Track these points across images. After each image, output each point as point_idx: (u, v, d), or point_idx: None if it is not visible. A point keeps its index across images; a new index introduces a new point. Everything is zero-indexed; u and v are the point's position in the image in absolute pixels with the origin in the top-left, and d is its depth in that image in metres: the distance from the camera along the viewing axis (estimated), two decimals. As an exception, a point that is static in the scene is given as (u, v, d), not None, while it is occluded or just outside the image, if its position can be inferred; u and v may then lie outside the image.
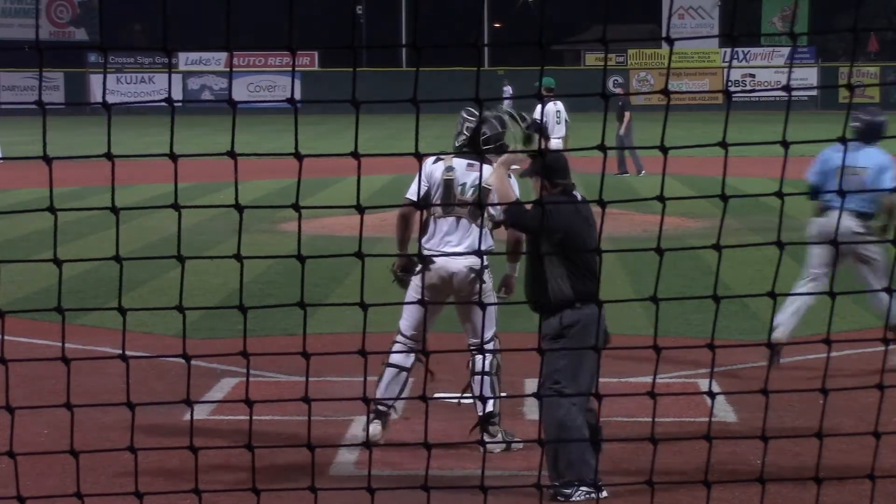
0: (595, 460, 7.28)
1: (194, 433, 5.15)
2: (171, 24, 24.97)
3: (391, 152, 4.95)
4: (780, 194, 4.65)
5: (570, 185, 7.62)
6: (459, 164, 8.38)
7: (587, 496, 7.22)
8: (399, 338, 8.58)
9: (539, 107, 20.25)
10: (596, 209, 7.55)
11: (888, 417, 8.59)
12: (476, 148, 8.20)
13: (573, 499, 7.25)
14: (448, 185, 8.31)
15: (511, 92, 58.79)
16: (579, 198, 7.59)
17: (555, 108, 22.79)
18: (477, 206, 8.04)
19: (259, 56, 75.59)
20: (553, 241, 7.37)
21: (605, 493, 7.30)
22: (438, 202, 8.25)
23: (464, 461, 8.13)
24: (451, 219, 8.33)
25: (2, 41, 77.48)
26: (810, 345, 6.65)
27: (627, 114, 29.66)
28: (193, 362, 5.41)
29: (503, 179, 7.76)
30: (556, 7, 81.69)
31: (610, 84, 68.10)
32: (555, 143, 22.04)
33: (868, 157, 10.77)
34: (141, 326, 11.96)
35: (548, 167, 7.54)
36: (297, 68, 73.45)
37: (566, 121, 23.18)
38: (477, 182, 8.14)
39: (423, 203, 8.17)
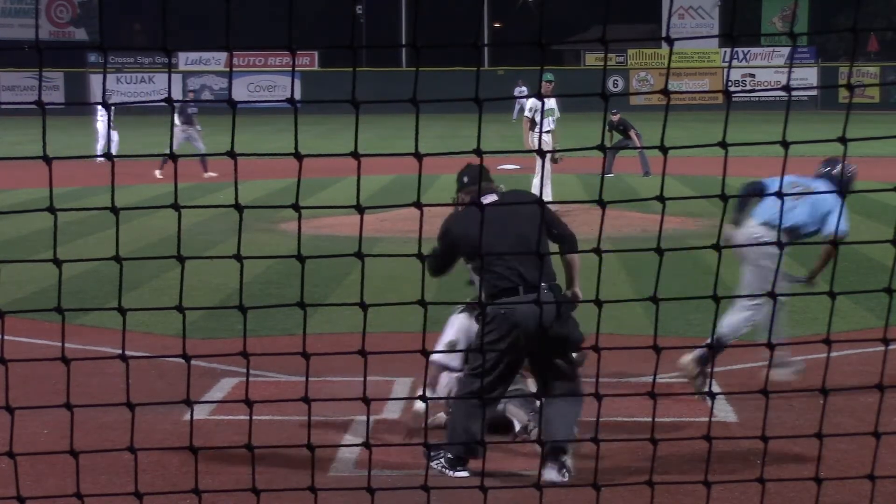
0: (470, 446, 7.69)
1: (194, 433, 5.14)
2: (170, 24, 24.90)
3: (391, 152, 4.94)
4: (779, 194, 4.65)
5: (485, 189, 7.90)
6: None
7: (441, 468, 7.72)
8: None
9: (531, 100, 20.96)
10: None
11: (888, 417, 8.59)
12: None
13: (431, 465, 7.61)
14: None
15: (527, 91, 59.01)
16: (492, 199, 7.87)
17: (549, 103, 22.97)
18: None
19: (259, 56, 75.65)
20: (460, 254, 7.88)
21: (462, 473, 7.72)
22: None
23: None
24: None
25: (2, 41, 77.52)
26: (810, 345, 6.64)
27: (632, 131, 29.88)
28: (193, 362, 5.41)
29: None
30: (556, 7, 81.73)
31: (609, 84, 68.16)
32: (545, 137, 22.34)
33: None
34: (141, 326, 11.95)
35: (458, 179, 8.16)
36: (297, 68, 73.45)
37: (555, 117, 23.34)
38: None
39: None
